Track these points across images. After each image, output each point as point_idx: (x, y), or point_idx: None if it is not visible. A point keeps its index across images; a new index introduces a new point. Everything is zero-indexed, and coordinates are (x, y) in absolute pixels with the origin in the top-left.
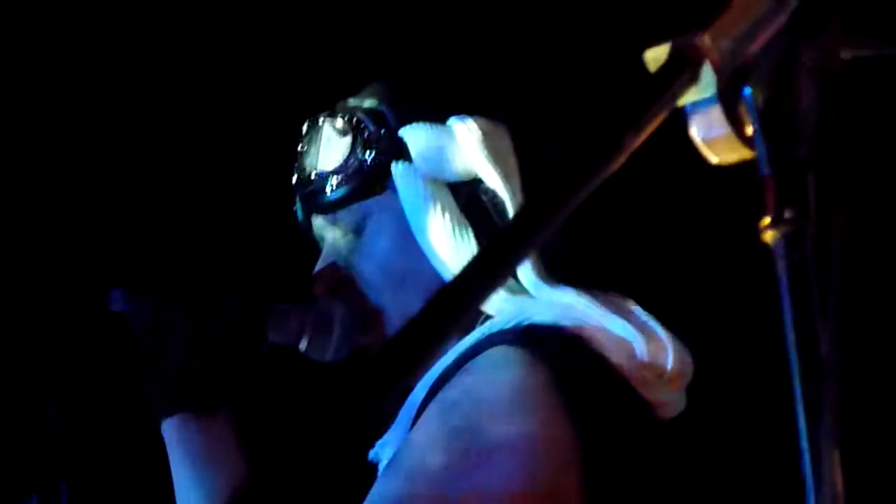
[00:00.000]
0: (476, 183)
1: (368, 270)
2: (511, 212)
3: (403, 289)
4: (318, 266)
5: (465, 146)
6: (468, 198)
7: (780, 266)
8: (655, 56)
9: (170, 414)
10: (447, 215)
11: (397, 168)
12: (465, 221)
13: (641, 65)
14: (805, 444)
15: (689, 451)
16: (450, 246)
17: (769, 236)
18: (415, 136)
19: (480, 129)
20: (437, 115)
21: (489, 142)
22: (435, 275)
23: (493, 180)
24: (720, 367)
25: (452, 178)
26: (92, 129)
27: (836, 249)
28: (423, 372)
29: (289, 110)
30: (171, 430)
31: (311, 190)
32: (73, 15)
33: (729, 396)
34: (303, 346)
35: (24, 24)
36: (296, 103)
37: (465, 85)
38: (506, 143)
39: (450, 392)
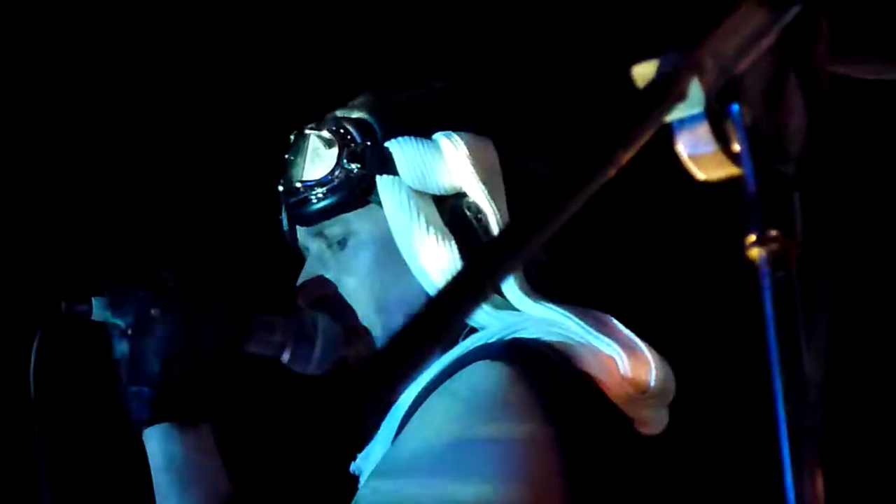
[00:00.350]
0: (460, 197)
1: (352, 282)
2: (494, 226)
3: (387, 302)
4: (302, 277)
5: (451, 161)
6: (452, 211)
7: (765, 284)
8: (643, 72)
9: (151, 424)
10: (431, 229)
11: (382, 180)
12: (449, 235)
13: (629, 81)
14: (787, 464)
15: (671, 467)
16: (433, 259)
17: (754, 254)
18: (401, 149)
19: (466, 144)
20: (424, 129)
21: (474, 157)
22: (418, 287)
23: (477, 195)
24: (703, 384)
25: (437, 192)
26: (79, 135)
27: (823, 270)
28: (406, 386)
29: (278, 119)
30: (152, 440)
31: (297, 200)
32: (64, 19)
33: (711, 413)
34: (285, 358)
35: (17, 26)
36: (284, 113)
37: (453, 99)
38: (492, 158)
39: (434, 404)
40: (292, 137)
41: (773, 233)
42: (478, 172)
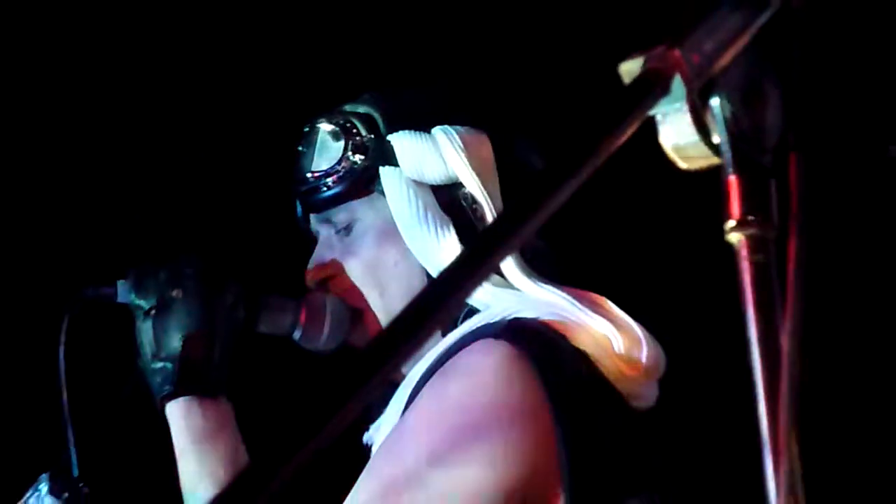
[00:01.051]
0: (457, 187)
1: (357, 265)
2: (488, 214)
3: (388, 283)
4: (312, 261)
5: (447, 153)
6: (449, 200)
7: (744, 266)
8: (629, 69)
9: (173, 398)
10: (429, 215)
11: (385, 171)
12: (447, 222)
13: (617, 77)
14: (764, 429)
15: (661, 439)
16: (432, 244)
17: (734, 238)
18: (402, 142)
19: (461, 137)
20: (424, 124)
21: (469, 149)
22: (418, 270)
23: (472, 185)
24: (689, 360)
25: (435, 182)
26: (103, 129)
27: (798, 253)
28: (412, 362)
29: (289, 114)
30: (174, 413)
31: (307, 189)
32: (92, 17)
33: (697, 387)
34: (296, 335)
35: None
36: (295, 107)
37: (451, 96)
38: (487, 150)
39: (440, 379)
40: (304, 131)
41: (751, 218)
42: (472, 164)
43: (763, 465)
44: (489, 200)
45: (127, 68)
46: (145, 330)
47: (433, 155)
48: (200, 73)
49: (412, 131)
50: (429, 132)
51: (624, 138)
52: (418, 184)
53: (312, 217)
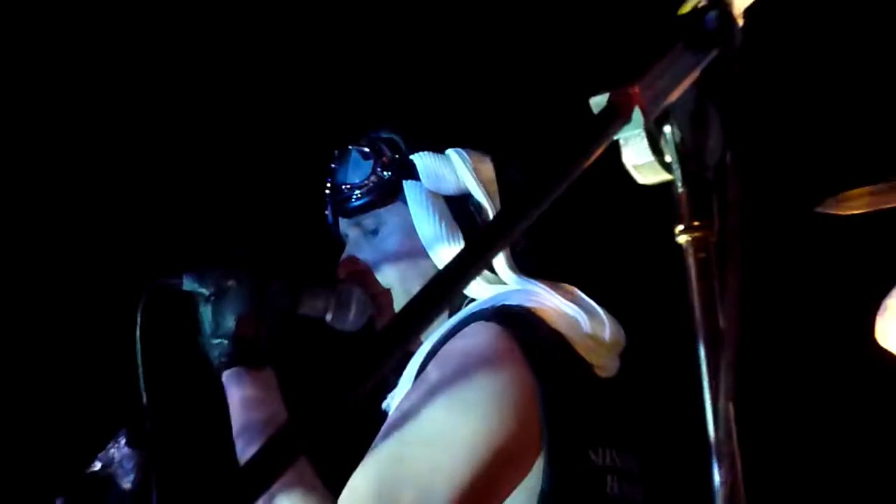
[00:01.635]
0: (466, 197)
1: (382, 262)
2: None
3: (407, 276)
4: (343, 257)
5: (459, 170)
6: (459, 208)
7: (689, 262)
8: (597, 102)
9: (228, 367)
10: (443, 222)
11: (407, 184)
12: (457, 226)
13: (588, 108)
14: (707, 399)
15: (623, 403)
16: (444, 244)
17: (682, 239)
18: (421, 160)
19: (470, 157)
20: (439, 146)
21: (476, 168)
22: (432, 265)
23: (479, 196)
24: (645, 339)
25: (448, 194)
26: (166, 150)
27: (734, 251)
28: (422, 339)
29: (320, 142)
30: (229, 381)
31: (341, 198)
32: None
33: (652, 360)
34: (328, 318)
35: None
36: (326, 137)
37: (461, 124)
38: (489, 168)
39: (443, 354)
40: (336, 153)
41: (696, 223)
42: (479, 179)
43: (706, 424)
44: (494, 210)
45: (189, 103)
46: (205, 313)
47: (448, 171)
48: (260, 109)
49: (430, 152)
50: (443, 153)
51: (593, 158)
52: (434, 195)
53: (343, 221)
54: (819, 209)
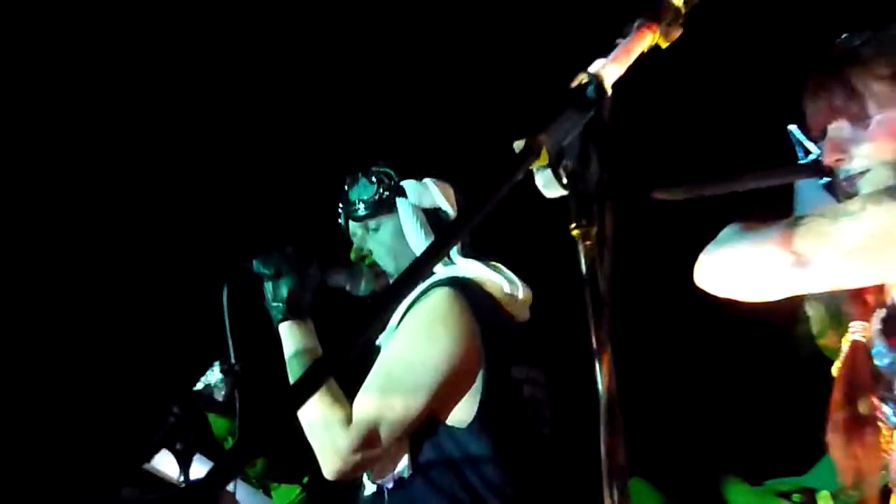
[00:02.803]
0: (437, 210)
1: (381, 251)
2: None
3: (398, 260)
4: (354, 248)
5: (433, 192)
6: (433, 217)
7: (580, 248)
8: (518, 144)
9: (283, 321)
10: (422, 226)
11: (399, 201)
12: (430, 228)
13: (512, 150)
14: (592, 336)
15: (531, 338)
16: (420, 240)
17: (575, 234)
18: (408, 185)
19: (438, 184)
20: (420, 176)
21: (444, 191)
22: (413, 253)
23: (445, 208)
24: (547, 297)
25: (425, 207)
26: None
27: (609, 241)
28: (404, 297)
29: (340, 167)
30: (284, 330)
31: (353, 208)
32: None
33: (552, 309)
34: (347, 287)
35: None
36: (346, 163)
37: (433, 164)
38: (451, 192)
39: (416, 310)
40: (349, 178)
41: (584, 222)
42: (445, 198)
43: (592, 354)
44: (454, 218)
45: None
46: (268, 286)
47: (426, 193)
48: (300, 140)
49: (414, 180)
50: (422, 181)
51: (515, 182)
52: (416, 208)
53: (352, 224)
54: (656, 196)
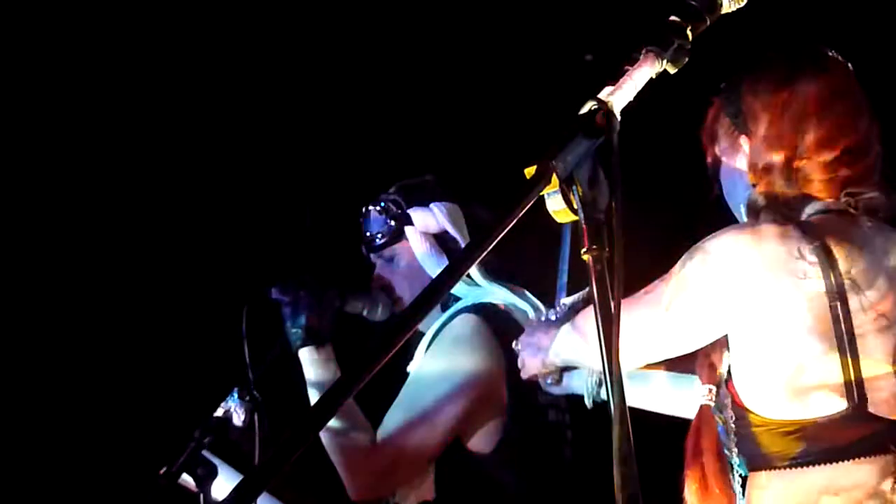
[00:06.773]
0: (446, 234)
1: (397, 278)
2: None
3: (413, 286)
4: (374, 275)
5: (440, 217)
6: (442, 242)
7: (592, 271)
8: (530, 171)
9: (302, 347)
10: (433, 251)
11: (408, 229)
12: (442, 252)
13: (523, 176)
14: (602, 352)
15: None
16: (433, 265)
17: (586, 257)
18: (416, 213)
19: (446, 208)
20: (426, 202)
21: (451, 215)
22: (429, 278)
23: (453, 233)
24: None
25: (435, 232)
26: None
27: (619, 262)
28: (426, 323)
29: (357, 198)
30: (303, 356)
31: (369, 240)
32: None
33: None
34: (365, 313)
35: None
36: (364, 191)
37: (439, 185)
38: (460, 214)
39: (443, 336)
40: (363, 209)
41: (594, 246)
42: (453, 222)
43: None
44: (462, 239)
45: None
46: (286, 313)
47: (433, 219)
48: (318, 172)
49: (421, 207)
50: (428, 206)
51: (527, 206)
52: (425, 234)
53: (372, 256)
54: None
